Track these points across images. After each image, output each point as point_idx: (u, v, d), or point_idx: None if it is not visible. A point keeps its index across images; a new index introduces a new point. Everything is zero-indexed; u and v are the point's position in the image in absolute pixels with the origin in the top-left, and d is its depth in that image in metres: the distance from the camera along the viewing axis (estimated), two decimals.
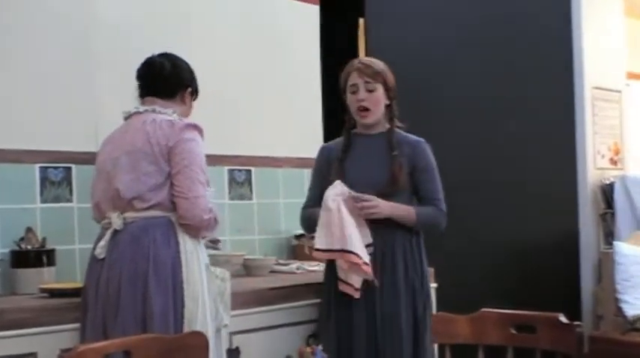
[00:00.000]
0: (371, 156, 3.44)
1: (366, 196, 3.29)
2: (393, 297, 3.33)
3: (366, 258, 3.23)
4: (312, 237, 4.16)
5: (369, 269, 3.23)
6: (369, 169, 3.41)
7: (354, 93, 3.44)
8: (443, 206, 3.46)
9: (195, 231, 2.92)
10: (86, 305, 2.90)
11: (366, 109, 3.42)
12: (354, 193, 3.29)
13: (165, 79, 3.09)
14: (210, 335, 2.83)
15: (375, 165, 3.40)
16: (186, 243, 2.89)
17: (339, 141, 3.56)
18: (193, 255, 2.89)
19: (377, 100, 3.43)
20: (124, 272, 2.80)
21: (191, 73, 3.20)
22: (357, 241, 3.23)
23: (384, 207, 3.31)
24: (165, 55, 3.16)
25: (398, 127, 3.51)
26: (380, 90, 3.43)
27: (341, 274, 3.31)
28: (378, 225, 3.33)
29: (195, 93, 3.21)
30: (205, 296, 2.89)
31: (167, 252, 2.84)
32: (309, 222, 3.49)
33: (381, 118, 3.48)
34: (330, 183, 3.37)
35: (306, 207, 3.59)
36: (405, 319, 3.33)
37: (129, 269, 2.80)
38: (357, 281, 3.28)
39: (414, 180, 3.44)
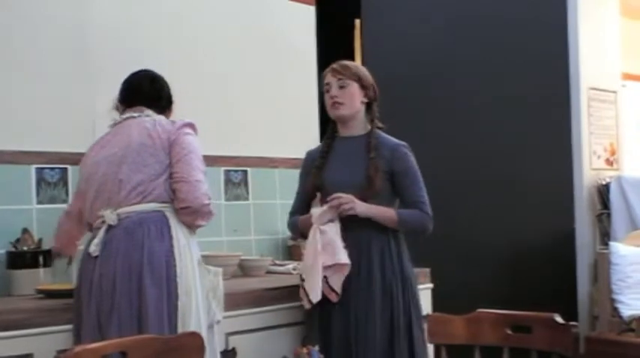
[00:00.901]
0: (350, 158, 3.42)
1: (343, 194, 3.29)
2: (368, 300, 3.30)
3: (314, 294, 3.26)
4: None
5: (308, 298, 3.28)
6: (346, 172, 3.39)
7: (327, 91, 3.45)
8: (427, 209, 3.40)
9: (193, 216, 2.93)
10: (80, 305, 2.89)
11: (339, 103, 3.42)
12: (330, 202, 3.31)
13: (164, 94, 3.19)
14: (204, 330, 2.83)
15: (353, 167, 3.38)
16: (179, 237, 2.90)
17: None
18: (186, 248, 2.91)
19: (350, 95, 3.42)
20: (119, 267, 2.81)
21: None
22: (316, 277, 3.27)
23: (360, 204, 3.29)
24: (155, 73, 3.23)
25: (379, 128, 3.49)
26: (354, 86, 3.42)
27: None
28: (354, 228, 3.31)
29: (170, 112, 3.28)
30: (198, 290, 2.90)
31: (161, 244, 2.86)
32: (296, 229, 3.61)
33: (356, 114, 3.46)
34: (308, 189, 3.47)
35: (292, 213, 3.60)
36: (380, 323, 3.29)
37: (123, 263, 2.81)
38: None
39: (395, 184, 3.40)
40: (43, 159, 3.64)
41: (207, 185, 2.97)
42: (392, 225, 3.37)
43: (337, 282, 3.27)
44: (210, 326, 2.98)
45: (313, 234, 3.31)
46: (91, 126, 3.64)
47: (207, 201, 2.93)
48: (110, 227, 2.89)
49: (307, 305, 3.30)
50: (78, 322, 2.89)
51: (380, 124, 3.50)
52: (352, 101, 3.43)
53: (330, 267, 3.24)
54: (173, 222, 2.92)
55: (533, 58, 5.59)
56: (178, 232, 2.91)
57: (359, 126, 3.49)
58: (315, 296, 3.25)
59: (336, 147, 3.50)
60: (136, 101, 3.12)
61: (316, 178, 3.44)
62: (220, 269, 3.11)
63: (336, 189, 3.33)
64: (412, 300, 3.39)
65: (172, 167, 2.94)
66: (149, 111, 3.08)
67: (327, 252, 3.26)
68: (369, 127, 3.48)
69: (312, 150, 3.62)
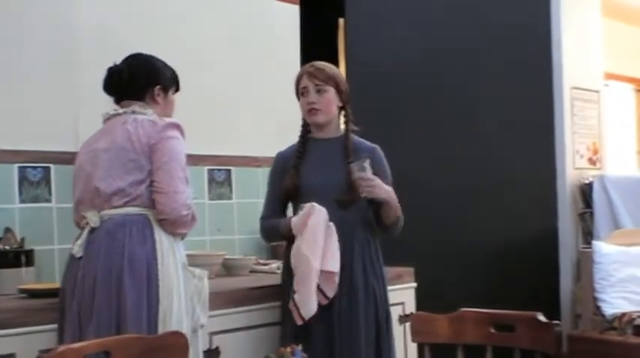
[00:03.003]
0: (327, 161, 3.40)
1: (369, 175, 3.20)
2: (350, 297, 3.28)
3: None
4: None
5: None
6: (326, 175, 3.36)
7: (304, 95, 3.42)
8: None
9: (172, 226, 2.91)
10: (63, 305, 2.89)
11: (316, 109, 3.39)
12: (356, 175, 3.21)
13: (127, 83, 3.06)
14: (187, 334, 2.81)
15: (333, 171, 3.36)
16: (162, 239, 2.88)
17: (294, 147, 3.52)
18: (169, 252, 2.88)
19: (328, 102, 3.40)
20: (100, 267, 2.79)
21: (154, 71, 3.14)
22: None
23: (382, 188, 3.24)
24: (125, 59, 3.13)
25: (353, 131, 3.47)
26: (331, 92, 3.40)
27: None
28: (338, 227, 3.27)
29: (166, 89, 3.16)
30: (181, 294, 2.87)
31: (142, 247, 2.83)
32: (271, 233, 3.55)
33: (332, 119, 3.46)
34: (285, 189, 3.40)
35: (264, 217, 3.54)
36: (364, 320, 3.28)
37: (104, 265, 2.80)
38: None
39: None
40: (26, 157, 3.61)
41: (188, 193, 2.92)
42: (397, 214, 3.35)
43: (330, 288, 3.23)
44: (195, 331, 2.96)
45: (314, 232, 3.21)
46: (74, 125, 3.63)
47: (185, 213, 2.88)
48: (93, 228, 2.87)
49: (299, 321, 3.20)
50: (62, 322, 2.88)
51: (355, 127, 3.49)
52: (329, 107, 3.41)
53: (321, 273, 3.20)
54: (156, 225, 2.90)
55: (516, 57, 5.61)
56: (162, 235, 2.89)
57: (333, 129, 3.48)
58: (309, 311, 3.18)
59: (311, 149, 3.47)
60: (118, 98, 3.07)
61: (294, 179, 3.40)
62: (206, 273, 3.08)
63: (315, 193, 3.30)
64: (386, 299, 3.42)
65: (153, 175, 2.90)
66: (135, 106, 3.02)
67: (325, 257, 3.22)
68: (342, 129, 3.48)
69: (282, 152, 3.57)
